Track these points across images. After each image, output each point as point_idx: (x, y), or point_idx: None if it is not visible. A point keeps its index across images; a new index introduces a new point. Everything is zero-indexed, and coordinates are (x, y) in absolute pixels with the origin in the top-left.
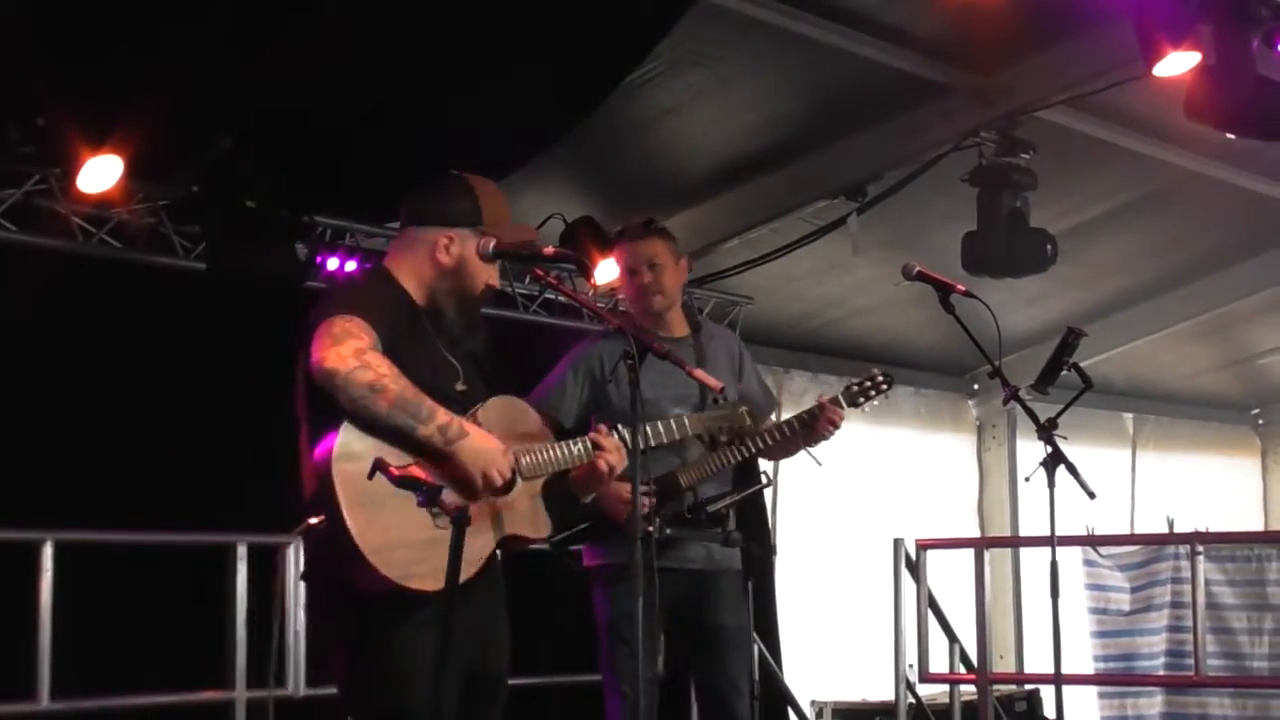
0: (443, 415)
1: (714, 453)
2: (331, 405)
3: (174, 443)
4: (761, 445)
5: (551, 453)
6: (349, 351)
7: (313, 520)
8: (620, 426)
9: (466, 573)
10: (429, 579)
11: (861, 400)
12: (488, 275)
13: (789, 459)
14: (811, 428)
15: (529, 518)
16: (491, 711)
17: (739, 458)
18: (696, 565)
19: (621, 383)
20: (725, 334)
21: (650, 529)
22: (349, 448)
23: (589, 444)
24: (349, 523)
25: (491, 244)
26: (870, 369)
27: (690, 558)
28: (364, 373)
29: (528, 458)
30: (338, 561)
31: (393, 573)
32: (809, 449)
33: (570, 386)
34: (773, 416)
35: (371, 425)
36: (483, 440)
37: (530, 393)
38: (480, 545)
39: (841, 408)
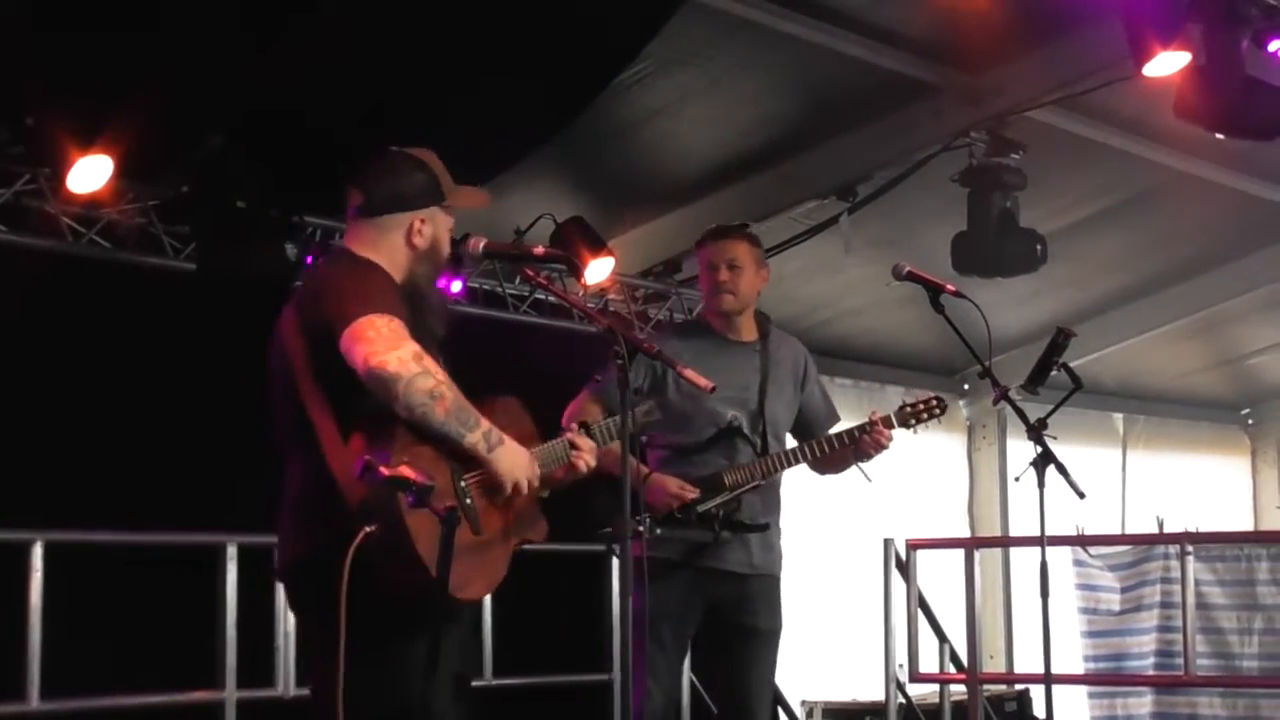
0: (485, 422)
1: (763, 458)
2: (368, 407)
3: (164, 443)
4: (811, 457)
5: (547, 455)
6: (409, 355)
7: (368, 528)
8: (591, 424)
9: (493, 580)
10: (472, 587)
11: (913, 422)
12: (448, 244)
13: (839, 474)
14: (859, 445)
15: (533, 520)
16: (465, 711)
17: (787, 465)
18: (734, 568)
19: (680, 382)
20: (793, 344)
21: (640, 528)
22: (407, 453)
23: (566, 444)
24: (412, 531)
25: (482, 244)
26: (925, 394)
27: (730, 560)
28: (425, 379)
29: (539, 458)
30: (387, 569)
31: (450, 584)
32: (859, 464)
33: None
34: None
35: (423, 432)
36: (516, 449)
37: (583, 388)
38: (501, 558)
39: (891, 427)
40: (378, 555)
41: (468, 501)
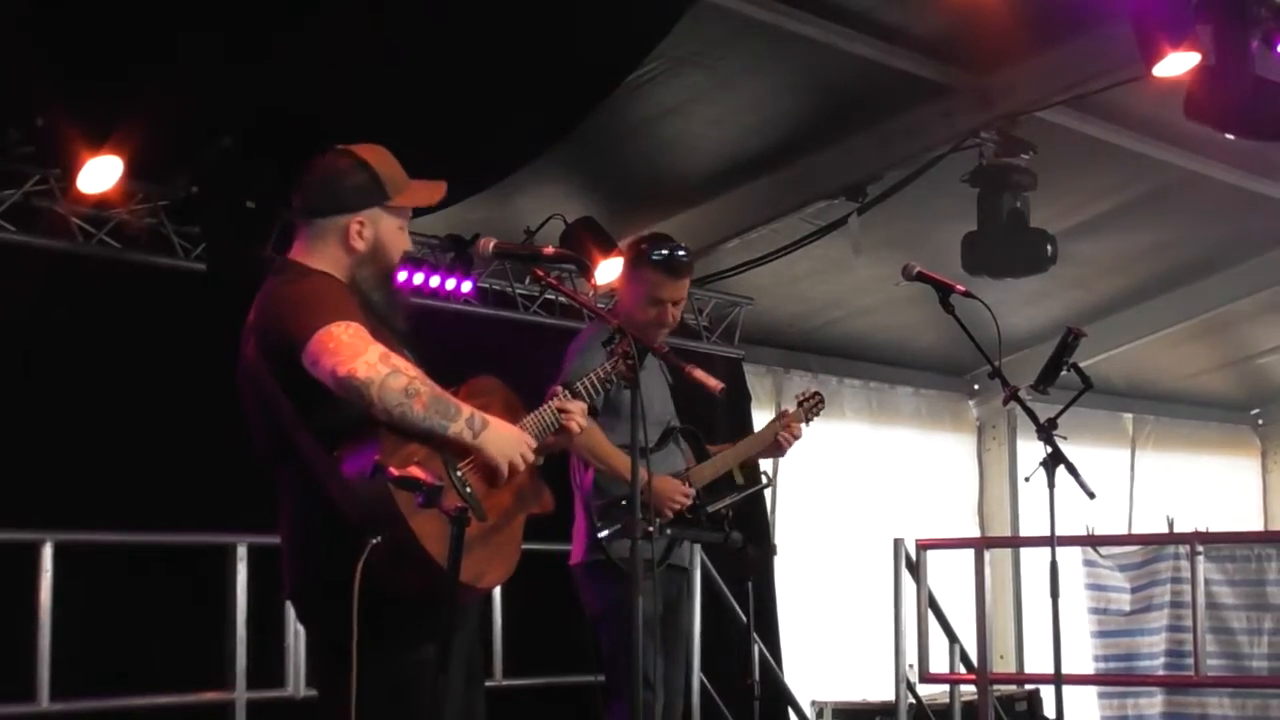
0: (465, 408)
1: (719, 455)
2: (344, 416)
3: (174, 443)
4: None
5: (538, 423)
6: (376, 358)
7: (373, 540)
8: (575, 384)
9: (511, 561)
10: (489, 575)
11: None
12: (402, 243)
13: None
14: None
15: (536, 492)
16: (480, 699)
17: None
18: (684, 563)
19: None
20: None
21: (651, 529)
22: (395, 455)
23: (555, 410)
24: (419, 535)
25: (492, 244)
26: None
27: (683, 556)
28: (397, 378)
29: (529, 430)
30: (399, 575)
31: (468, 577)
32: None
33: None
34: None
35: (405, 431)
36: (502, 427)
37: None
38: (512, 538)
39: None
40: (388, 563)
41: (467, 490)
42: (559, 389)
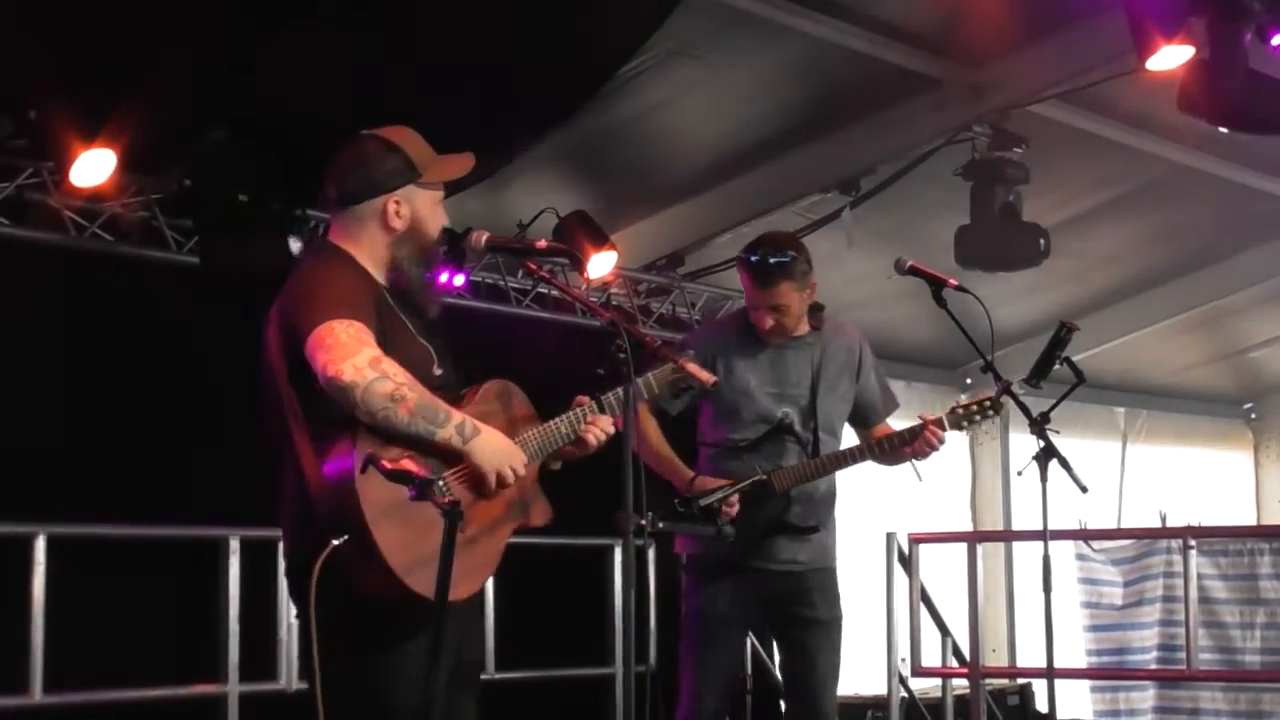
0: (456, 414)
1: (812, 458)
2: (335, 413)
3: (167, 437)
4: (860, 459)
5: (546, 435)
6: (365, 362)
7: (335, 541)
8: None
9: (482, 575)
10: (459, 586)
11: (965, 424)
12: (439, 218)
13: (894, 467)
14: (912, 448)
15: (533, 506)
16: (469, 699)
17: (836, 467)
18: (786, 566)
19: (731, 372)
20: (848, 332)
21: (643, 522)
22: (385, 452)
23: (575, 419)
24: (379, 543)
25: (485, 238)
26: (979, 394)
27: (780, 558)
28: (383, 383)
29: (529, 444)
30: (363, 579)
31: (424, 588)
32: (913, 463)
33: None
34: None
35: (390, 436)
36: (494, 438)
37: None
38: (494, 544)
39: (943, 429)
40: (351, 565)
41: (447, 499)
42: (586, 400)
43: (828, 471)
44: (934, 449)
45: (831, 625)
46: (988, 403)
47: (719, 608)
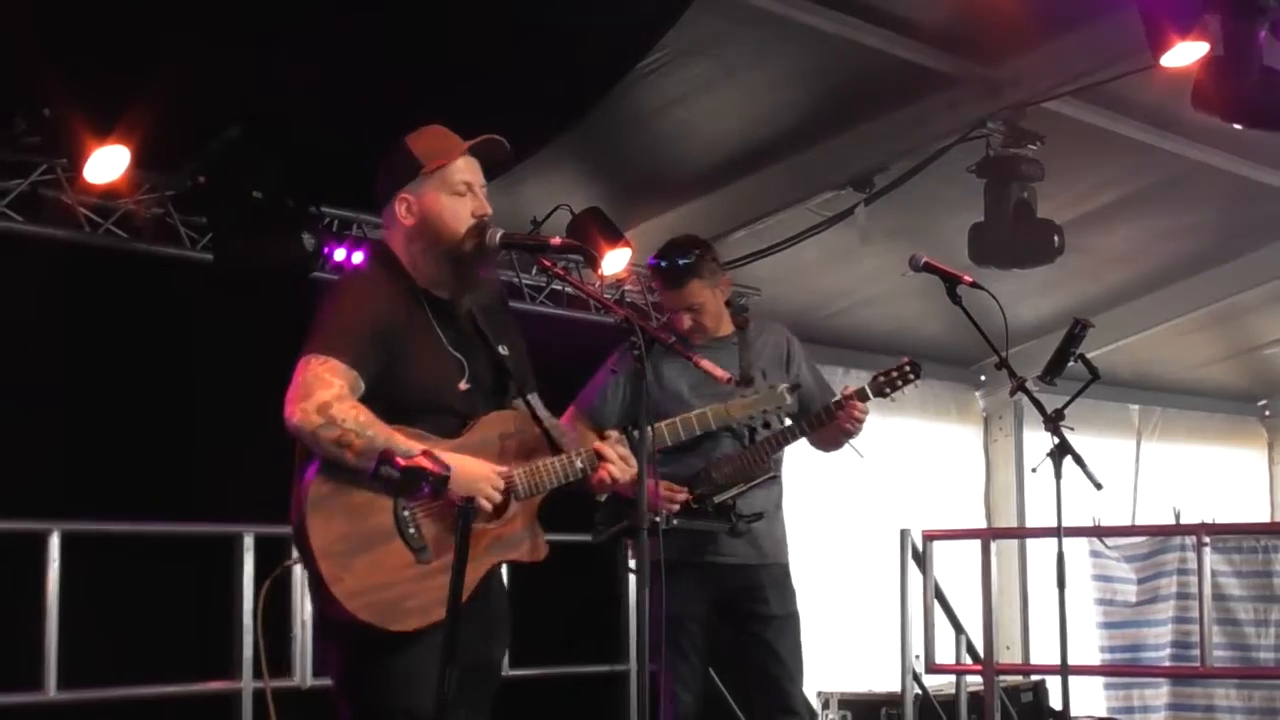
0: (416, 452)
1: (750, 446)
2: None
3: (181, 433)
4: (797, 434)
5: (550, 470)
6: (313, 407)
7: (288, 563)
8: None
9: (431, 620)
10: (414, 617)
11: (888, 390)
12: (463, 209)
13: (834, 451)
14: (836, 422)
15: (525, 541)
16: (485, 693)
17: (775, 449)
18: (738, 560)
19: (661, 379)
20: (774, 330)
21: (657, 519)
22: (321, 494)
23: (592, 456)
24: (326, 573)
25: (499, 235)
26: (899, 359)
27: (733, 553)
28: (329, 430)
29: (526, 478)
30: (321, 601)
31: (373, 617)
32: (849, 442)
33: (611, 390)
34: None
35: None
36: (465, 465)
37: (575, 398)
38: (470, 574)
39: (865, 399)
40: (313, 587)
41: (410, 531)
42: (611, 433)
43: (765, 455)
44: (859, 420)
45: (788, 620)
46: (907, 367)
47: (686, 609)
